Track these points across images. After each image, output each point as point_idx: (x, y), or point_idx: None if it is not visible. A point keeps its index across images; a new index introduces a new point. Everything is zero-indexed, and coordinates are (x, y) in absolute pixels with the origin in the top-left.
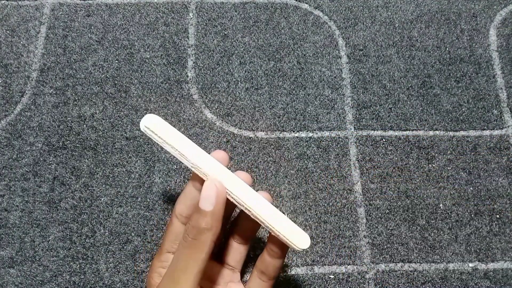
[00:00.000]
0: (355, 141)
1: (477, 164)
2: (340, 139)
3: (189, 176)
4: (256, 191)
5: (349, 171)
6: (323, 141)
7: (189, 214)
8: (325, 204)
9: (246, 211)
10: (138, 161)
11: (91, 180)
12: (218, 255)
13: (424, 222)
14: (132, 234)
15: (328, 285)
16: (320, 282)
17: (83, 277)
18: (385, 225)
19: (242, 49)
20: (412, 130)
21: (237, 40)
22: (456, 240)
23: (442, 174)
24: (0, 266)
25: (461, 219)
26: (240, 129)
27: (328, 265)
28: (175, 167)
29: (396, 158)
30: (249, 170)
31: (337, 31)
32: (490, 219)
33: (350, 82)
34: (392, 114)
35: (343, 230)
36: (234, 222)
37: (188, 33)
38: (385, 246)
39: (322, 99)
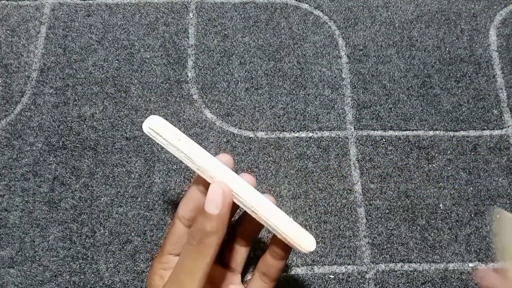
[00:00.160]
0: (355, 141)
1: (477, 164)
2: (340, 139)
3: (189, 176)
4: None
5: (349, 171)
6: (323, 141)
7: (192, 216)
8: (325, 204)
9: (252, 213)
10: (138, 161)
11: (91, 180)
12: (219, 257)
13: (424, 222)
14: (132, 234)
15: (328, 285)
16: (320, 282)
17: (83, 277)
18: (385, 225)
19: (242, 49)
20: (412, 130)
21: (237, 40)
22: (456, 240)
23: (442, 174)
24: (0, 266)
25: (461, 219)
26: (240, 129)
27: (328, 265)
28: (175, 167)
29: (396, 158)
30: (249, 170)
31: (337, 31)
32: (490, 219)
33: (350, 82)
34: (392, 114)
35: (343, 230)
36: (236, 224)
37: (188, 33)
38: (385, 246)
39: (322, 99)
